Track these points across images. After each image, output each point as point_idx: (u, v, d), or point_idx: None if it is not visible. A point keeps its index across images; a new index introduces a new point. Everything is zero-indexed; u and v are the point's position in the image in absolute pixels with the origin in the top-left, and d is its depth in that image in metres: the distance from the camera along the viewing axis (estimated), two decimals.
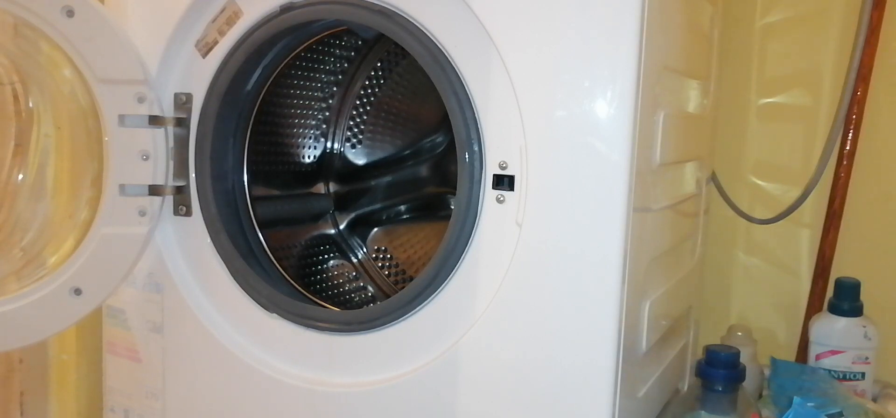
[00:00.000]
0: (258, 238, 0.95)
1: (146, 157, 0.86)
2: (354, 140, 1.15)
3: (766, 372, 1.09)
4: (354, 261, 1.14)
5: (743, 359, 0.88)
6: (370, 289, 1.13)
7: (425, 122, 1.16)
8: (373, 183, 1.17)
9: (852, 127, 1.11)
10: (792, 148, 1.18)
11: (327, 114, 1.13)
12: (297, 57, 0.97)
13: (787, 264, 1.19)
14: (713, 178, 1.16)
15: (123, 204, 0.85)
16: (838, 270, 1.13)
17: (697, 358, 0.89)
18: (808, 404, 0.84)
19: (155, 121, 0.86)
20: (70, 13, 0.80)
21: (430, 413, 0.80)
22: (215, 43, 0.86)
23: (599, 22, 0.70)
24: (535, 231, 0.74)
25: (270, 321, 0.88)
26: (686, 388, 1.06)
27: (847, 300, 1.04)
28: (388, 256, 1.15)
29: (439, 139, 1.15)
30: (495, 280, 0.76)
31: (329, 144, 1.14)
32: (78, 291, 0.84)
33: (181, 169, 0.89)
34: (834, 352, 1.03)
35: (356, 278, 1.13)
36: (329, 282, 1.10)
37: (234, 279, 0.89)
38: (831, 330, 1.04)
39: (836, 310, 1.04)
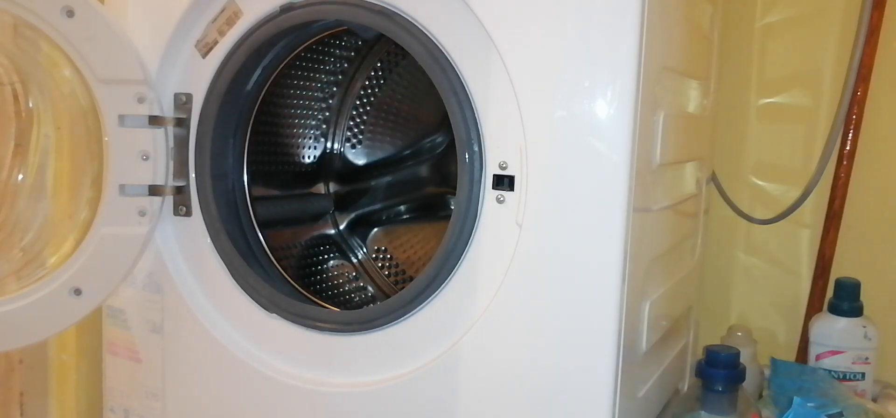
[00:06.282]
0: (258, 238, 0.95)
1: (146, 157, 0.86)
2: (354, 140, 1.15)
3: (766, 372, 1.08)
4: (354, 261, 1.14)
5: (743, 359, 0.88)
6: (370, 289, 1.12)
7: (425, 122, 1.16)
8: (373, 183, 1.17)
9: (852, 127, 1.11)
10: (792, 148, 1.18)
11: (327, 114, 1.13)
12: (297, 57, 0.97)
13: (787, 264, 1.19)
14: (713, 178, 1.16)
15: (123, 204, 0.85)
16: (838, 270, 1.13)
17: (697, 358, 0.89)
18: (808, 404, 0.84)
19: (155, 121, 0.86)
20: (70, 13, 0.80)
21: (430, 413, 0.80)
22: (215, 43, 0.86)
23: (599, 22, 0.70)
24: (535, 231, 0.74)
25: (270, 321, 0.88)
26: (686, 388, 1.06)
27: (847, 300, 1.04)
28: (388, 256, 1.15)
29: (439, 139, 1.15)
30: (495, 280, 0.76)
31: (329, 144, 1.14)
32: (78, 291, 0.84)
33: (181, 169, 0.89)
34: (834, 352, 1.03)
35: (356, 278, 1.13)
36: (329, 282, 1.10)
37: (234, 279, 0.89)
38: (831, 330, 1.04)
39: (836, 310, 1.04)
